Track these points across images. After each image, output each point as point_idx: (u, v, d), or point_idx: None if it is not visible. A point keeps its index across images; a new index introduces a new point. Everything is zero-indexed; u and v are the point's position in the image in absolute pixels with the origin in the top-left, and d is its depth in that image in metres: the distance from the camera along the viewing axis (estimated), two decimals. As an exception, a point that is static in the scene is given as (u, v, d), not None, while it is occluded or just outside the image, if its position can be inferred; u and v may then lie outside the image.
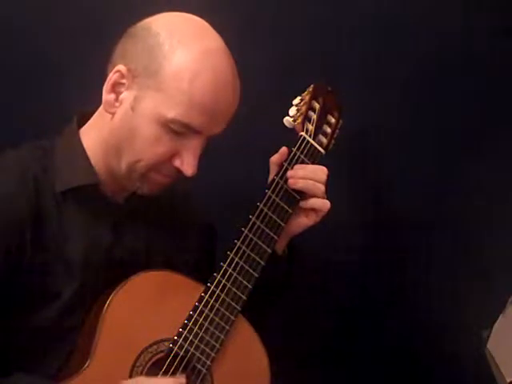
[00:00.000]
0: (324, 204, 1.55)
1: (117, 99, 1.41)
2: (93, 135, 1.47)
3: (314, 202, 1.55)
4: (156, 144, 1.40)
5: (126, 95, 1.41)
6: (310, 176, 1.54)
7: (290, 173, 1.54)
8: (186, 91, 1.37)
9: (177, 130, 1.39)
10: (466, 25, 1.91)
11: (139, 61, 1.39)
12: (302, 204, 1.55)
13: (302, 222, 1.57)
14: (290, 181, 1.53)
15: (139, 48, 1.40)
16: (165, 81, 1.38)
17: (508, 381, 1.63)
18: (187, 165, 1.42)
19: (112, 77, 1.41)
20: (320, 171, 1.56)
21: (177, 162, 1.42)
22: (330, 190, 1.57)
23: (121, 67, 1.40)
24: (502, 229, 1.91)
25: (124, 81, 1.40)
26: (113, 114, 1.42)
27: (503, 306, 1.74)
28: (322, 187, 1.54)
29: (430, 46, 1.92)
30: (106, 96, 1.42)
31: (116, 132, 1.42)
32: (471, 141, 1.95)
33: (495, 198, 1.94)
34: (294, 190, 1.55)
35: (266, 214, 1.52)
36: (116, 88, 1.41)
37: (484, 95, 1.94)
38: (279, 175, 1.55)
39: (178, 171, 1.43)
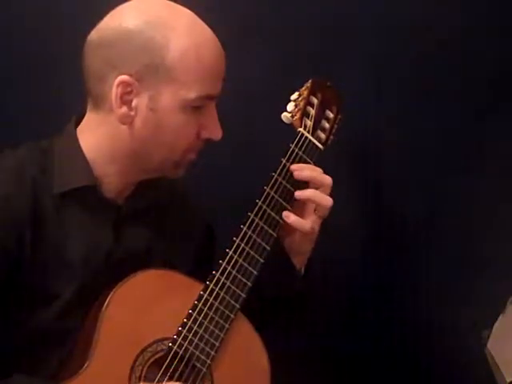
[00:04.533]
0: (300, 222, 1.53)
1: (130, 109, 1.41)
2: (91, 139, 1.46)
3: (293, 220, 1.52)
4: (185, 128, 1.43)
5: (139, 100, 1.41)
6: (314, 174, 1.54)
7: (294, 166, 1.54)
8: (197, 67, 1.40)
9: (198, 105, 1.42)
10: (467, 25, 1.91)
11: (137, 63, 1.39)
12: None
13: (296, 239, 1.56)
14: (295, 173, 1.53)
15: (130, 51, 1.39)
16: (173, 68, 1.39)
17: (508, 381, 1.63)
18: (215, 131, 1.46)
19: (117, 91, 1.39)
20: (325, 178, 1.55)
21: (205, 134, 1.46)
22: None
23: (121, 77, 1.39)
24: (502, 228, 1.91)
25: (130, 89, 1.40)
26: (130, 123, 1.42)
27: (503, 306, 1.74)
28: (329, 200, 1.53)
29: (430, 45, 1.92)
30: (119, 111, 1.41)
31: (141, 137, 1.43)
32: (472, 139, 1.96)
33: (496, 197, 1.94)
34: (289, 190, 1.54)
35: (265, 210, 1.52)
36: (125, 99, 1.40)
37: (485, 94, 1.94)
38: (277, 172, 1.54)
39: (206, 141, 1.47)
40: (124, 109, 1.41)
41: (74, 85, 1.51)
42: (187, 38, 1.40)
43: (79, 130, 1.48)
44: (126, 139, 1.44)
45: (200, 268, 1.57)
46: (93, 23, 1.44)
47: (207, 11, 1.46)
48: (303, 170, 1.54)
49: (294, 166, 1.54)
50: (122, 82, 1.39)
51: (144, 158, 1.45)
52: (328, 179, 1.54)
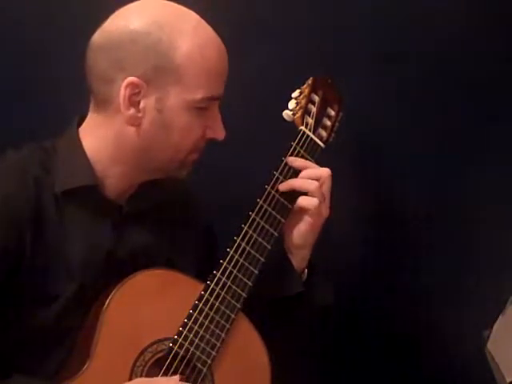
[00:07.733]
0: (310, 201, 1.54)
1: (138, 110, 1.41)
2: (94, 140, 1.47)
3: (300, 201, 1.54)
4: (191, 129, 1.44)
5: (147, 102, 1.41)
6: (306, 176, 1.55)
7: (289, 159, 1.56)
8: (203, 69, 1.41)
9: (204, 105, 1.43)
10: (466, 25, 1.92)
11: (144, 64, 1.39)
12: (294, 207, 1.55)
13: (300, 228, 1.56)
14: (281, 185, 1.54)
15: (137, 53, 1.39)
16: (180, 69, 1.40)
17: (508, 381, 1.63)
18: (219, 131, 1.48)
19: (125, 93, 1.40)
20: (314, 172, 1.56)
21: (209, 134, 1.47)
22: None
23: (130, 79, 1.39)
24: (502, 228, 1.91)
25: (138, 90, 1.40)
26: (138, 124, 1.43)
27: (503, 306, 1.74)
28: (314, 183, 1.54)
29: (430, 45, 1.92)
30: (127, 113, 1.41)
31: (148, 138, 1.43)
32: (471, 139, 1.96)
33: (495, 197, 1.94)
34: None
35: (266, 210, 1.53)
36: (133, 100, 1.41)
37: (485, 94, 1.94)
38: (279, 171, 1.55)
39: (209, 140, 1.48)
40: (132, 110, 1.41)
41: (76, 85, 1.51)
42: (193, 39, 1.40)
43: (82, 130, 1.49)
44: (132, 140, 1.44)
45: (201, 268, 1.57)
46: (92, 23, 1.44)
47: (207, 11, 1.46)
48: (296, 160, 1.56)
49: (290, 158, 1.56)
50: (131, 84, 1.39)
51: (149, 158, 1.46)
52: (326, 171, 1.56)
